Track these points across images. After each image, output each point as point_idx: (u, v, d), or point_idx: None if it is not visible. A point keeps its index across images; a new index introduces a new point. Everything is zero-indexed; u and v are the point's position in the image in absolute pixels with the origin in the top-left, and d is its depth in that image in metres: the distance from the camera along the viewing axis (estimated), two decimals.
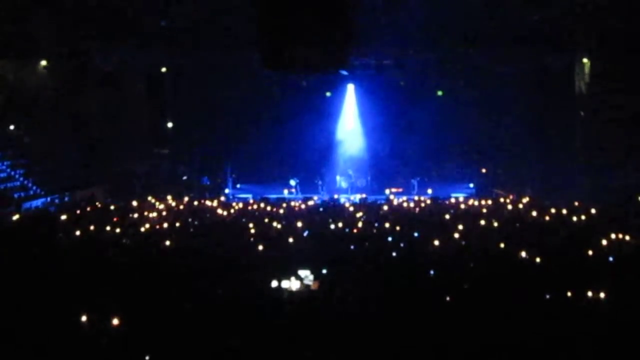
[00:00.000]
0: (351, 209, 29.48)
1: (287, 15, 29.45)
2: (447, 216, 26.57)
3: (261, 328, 12.23)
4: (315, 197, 34.36)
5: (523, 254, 18.29)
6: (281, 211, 29.01)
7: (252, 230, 23.50)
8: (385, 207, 29.96)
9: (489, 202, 31.59)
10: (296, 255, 18.50)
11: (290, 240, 21.23)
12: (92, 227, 23.82)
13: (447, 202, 31.82)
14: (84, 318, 12.35)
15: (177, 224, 25.21)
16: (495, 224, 24.25)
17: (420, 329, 12.11)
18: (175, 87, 39.34)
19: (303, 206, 30.82)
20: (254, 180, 39.58)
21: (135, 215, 27.72)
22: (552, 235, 21.81)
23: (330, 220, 25.60)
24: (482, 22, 33.86)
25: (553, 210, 27.16)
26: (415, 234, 22.22)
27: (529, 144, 37.19)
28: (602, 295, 13.92)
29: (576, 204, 28.48)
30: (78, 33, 34.72)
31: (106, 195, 34.43)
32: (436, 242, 20.09)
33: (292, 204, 31.65)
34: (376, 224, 25.15)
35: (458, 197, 34.12)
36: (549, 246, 19.59)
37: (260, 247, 19.84)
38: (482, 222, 24.83)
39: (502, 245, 19.76)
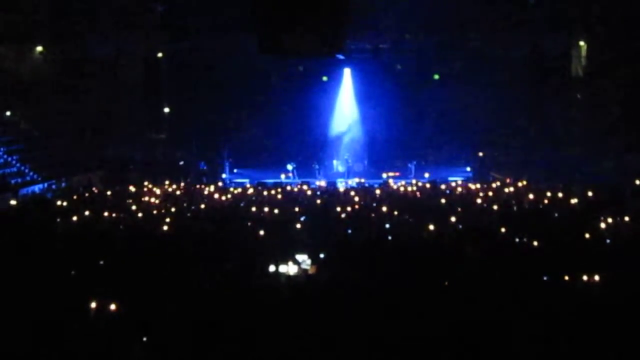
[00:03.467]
0: (352, 193, 29.46)
1: (284, 0, 29.42)
2: (444, 200, 26.55)
3: (259, 312, 12.25)
4: (318, 182, 34.25)
5: (520, 237, 18.31)
6: (279, 196, 28.94)
7: (250, 215, 23.51)
8: (378, 191, 29.91)
9: (486, 185, 31.59)
10: (293, 240, 18.51)
11: (288, 224, 21.22)
12: (89, 213, 23.80)
13: (444, 186, 31.81)
14: (82, 302, 12.36)
15: (174, 209, 25.19)
16: (492, 207, 24.25)
17: (417, 312, 12.14)
18: (172, 73, 39.27)
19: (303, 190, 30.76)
20: (251, 165, 39.58)
21: (132, 201, 27.69)
22: (549, 218, 21.85)
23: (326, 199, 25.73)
24: (478, 5, 33.84)
25: (550, 194, 27.18)
26: (412, 219, 22.22)
27: (526, 127, 37.20)
28: (599, 278, 13.96)
29: (569, 186, 28.57)
30: (73, 19, 34.65)
31: (103, 180, 34.39)
32: (431, 227, 20.04)
33: (288, 188, 31.63)
34: (373, 204, 25.25)
35: (455, 180, 34.17)
36: (546, 229, 19.63)
37: (259, 232, 19.82)
38: (479, 206, 24.85)
39: (498, 228, 19.75)
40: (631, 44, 32.39)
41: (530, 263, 15.49)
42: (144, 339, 11.23)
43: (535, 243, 17.67)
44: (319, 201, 26.92)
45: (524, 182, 31.29)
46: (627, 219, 20.77)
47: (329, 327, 11.53)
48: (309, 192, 30.15)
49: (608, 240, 18.29)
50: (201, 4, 34.54)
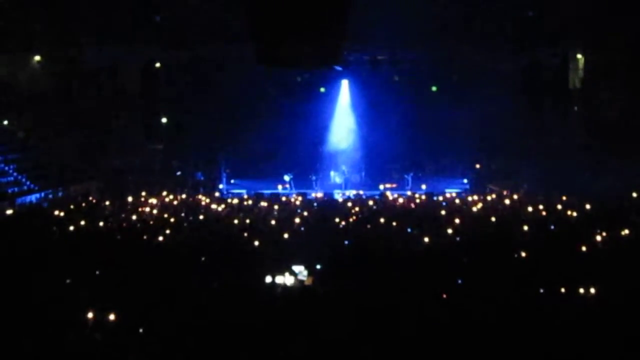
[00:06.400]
0: (349, 204, 29.45)
1: (282, 11, 29.44)
2: (442, 212, 26.53)
3: (255, 322, 12.23)
4: (314, 194, 34.26)
5: (516, 249, 18.32)
6: (276, 207, 28.91)
7: (247, 226, 23.51)
8: (371, 202, 29.93)
9: (483, 197, 31.60)
10: (290, 251, 18.51)
11: (285, 235, 21.22)
12: (86, 222, 23.80)
13: (441, 198, 31.83)
14: (78, 311, 12.35)
15: (172, 219, 25.18)
16: (489, 220, 24.26)
17: (413, 323, 12.14)
18: (169, 83, 39.27)
19: (298, 202, 30.74)
20: (248, 175, 39.59)
21: (130, 211, 27.67)
22: (546, 231, 21.86)
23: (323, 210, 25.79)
24: (476, 18, 33.92)
25: (547, 206, 27.18)
26: (409, 230, 22.24)
27: (523, 139, 37.22)
28: (595, 290, 13.97)
29: (566, 199, 28.61)
30: (71, 28, 34.66)
31: (100, 190, 34.36)
32: (427, 239, 20.03)
33: (283, 199, 31.67)
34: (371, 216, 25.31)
35: (452, 192, 34.20)
36: (543, 241, 19.66)
37: (256, 243, 19.83)
38: (476, 218, 24.86)
39: (495, 240, 19.77)
40: (628, 56, 32.45)
41: (527, 275, 15.49)
42: (141, 347, 11.23)
43: (532, 255, 17.68)
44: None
45: (521, 194, 31.32)
46: (623, 231, 20.77)
47: (326, 337, 11.53)
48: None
49: (604, 253, 18.29)
50: (199, 14, 34.57)
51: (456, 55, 37.00)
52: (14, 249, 17.94)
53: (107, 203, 29.89)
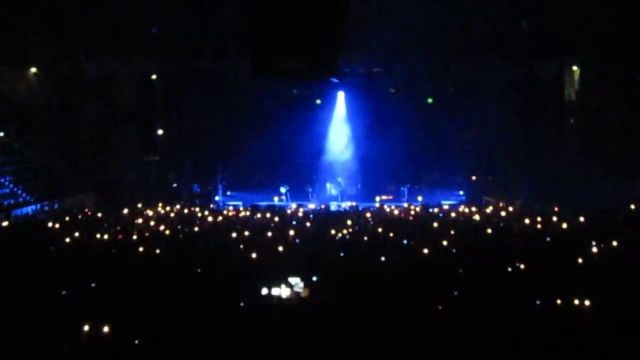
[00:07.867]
0: (345, 216, 29.43)
1: (279, 23, 29.54)
2: (436, 224, 26.50)
3: (251, 334, 12.22)
4: (311, 206, 34.23)
5: (512, 260, 18.31)
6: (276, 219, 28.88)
7: (243, 238, 23.48)
8: (368, 215, 29.91)
9: (479, 209, 31.59)
10: (287, 263, 18.48)
11: (281, 248, 21.18)
12: (81, 234, 23.74)
13: (437, 209, 31.82)
14: (74, 324, 12.32)
15: (167, 232, 25.15)
16: (484, 231, 24.25)
17: (409, 335, 12.13)
18: (166, 95, 39.30)
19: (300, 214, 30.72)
20: (245, 187, 39.60)
21: (125, 223, 27.62)
22: (541, 242, 21.86)
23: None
24: (471, 30, 34.01)
25: (542, 218, 27.16)
26: (406, 241, 22.22)
27: (519, 151, 37.26)
28: (590, 302, 13.97)
29: (562, 211, 28.60)
30: (68, 41, 34.71)
31: (96, 202, 34.32)
32: (425, 250, 20.03)
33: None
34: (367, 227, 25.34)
35: (448, 204, 34.20)
36: (539, 253, 19.65)
37: (252, 255, 19.79)
38: (472, 229, 24.86)
39: (491, 251, 19.76)
40: (624, 68, 32.52)
41: (522, 287, 15.48)
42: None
43: (528, 266, 17.68)
44: (308, 224, 26.89)
45: (517, 206, 31.30)
46: (617, 243, 20.75)
47: (322, 348, 11.52)
48: (300, 214, 30.23)
49: (600, 265, 18.29)
50: (195, 26, 34.65)
51: (452, 67, 37.05)
52: (9, 261, 17.89)
53: (103, 215, 29.85)
